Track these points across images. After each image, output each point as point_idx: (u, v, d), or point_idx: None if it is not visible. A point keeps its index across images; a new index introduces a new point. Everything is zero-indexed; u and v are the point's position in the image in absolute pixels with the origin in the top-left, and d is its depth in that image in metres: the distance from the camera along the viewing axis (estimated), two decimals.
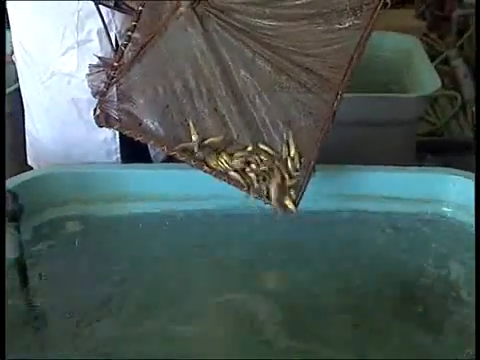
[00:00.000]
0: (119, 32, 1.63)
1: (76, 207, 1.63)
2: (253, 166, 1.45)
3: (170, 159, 1.56)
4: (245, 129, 1.47)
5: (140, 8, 1.46)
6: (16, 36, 1.78)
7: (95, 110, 1.51)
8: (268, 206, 1.44)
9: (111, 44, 1.62)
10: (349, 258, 1.55)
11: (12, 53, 1.89)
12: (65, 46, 1.67)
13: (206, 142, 1.46)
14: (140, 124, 1.49)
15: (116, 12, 1.60)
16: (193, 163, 1.47)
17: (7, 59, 1.98)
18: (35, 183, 1.60)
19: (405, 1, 3.51)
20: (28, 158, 1.91)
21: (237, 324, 1.40)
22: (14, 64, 1.88)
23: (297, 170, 1.43)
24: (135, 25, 1.46)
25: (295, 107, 1.44)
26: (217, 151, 1.46)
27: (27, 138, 1.90)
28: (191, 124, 1.47)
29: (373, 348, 1.33)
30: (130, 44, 1.47)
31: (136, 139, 1.50)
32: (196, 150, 1.46)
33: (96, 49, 1.63)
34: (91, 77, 1.50)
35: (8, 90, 2.12)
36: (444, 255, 1.55)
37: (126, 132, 1.51)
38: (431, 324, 1.39)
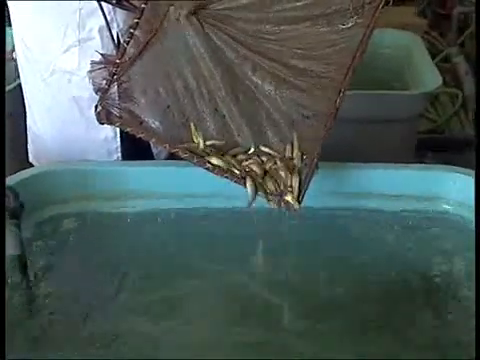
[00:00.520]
0: (121, 30, 1.64)
1: (77, 204, 1.63)
2: (256, 164, 1.45)
3: (172, 157, 1.56)
4: (247, 130, 1.47)
5: (142, 6, 1.46)
6: (17, 33, 1.78)
7: (96, 107, 1.50)
8: (271, 204, 1.44)
9: (113, 41, 1.62)
10: (350, 255, 1.55)
11: (12, 50, 1.89)
12: (66, 44, 1.67)
13: (208, 143, 1.46)
14: (141, 123, 1.49)
15: (118, 10, 1.60)
16: (195, 161, 1.46)
17: (7, 56, 1.99)
18: (35, 180, 1.60)
19: None
20: (29, 156, 1.91)
21: (238, 324, 1.40)
22: (14, 61, 1.88)
23: (300, 168, 1.44)
24: (137, 22, 1.46)
25: (298, 110, 1.44)
26: (219, 152, 1.46)
27: (28, 135, 1.90)
28: (192, 126, 1.47)
29: (373, 344, 1.34)
30: (132, 41, 1.47)
31: (137, 136, 1.50)
32: (198, 151, 1.46)
33: (97, 47, 1.63)
34: (93, 74, 1.50)
35: (9, 87, 2.12)
36: (445, 252, 1.54)
37: (127, 129, 1.51)
38: (433, 320, 1.39)
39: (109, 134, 1.74)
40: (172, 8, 1.45)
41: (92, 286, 1.48)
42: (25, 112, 1.88)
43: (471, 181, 1.53)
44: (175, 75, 1.47)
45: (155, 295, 1.45)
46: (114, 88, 1.48)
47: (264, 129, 1.47)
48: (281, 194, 1.42)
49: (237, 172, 1.44)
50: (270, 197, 1.43)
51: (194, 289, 1.46)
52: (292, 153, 1.44)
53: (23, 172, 1.62)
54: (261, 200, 1.44)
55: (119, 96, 1.49)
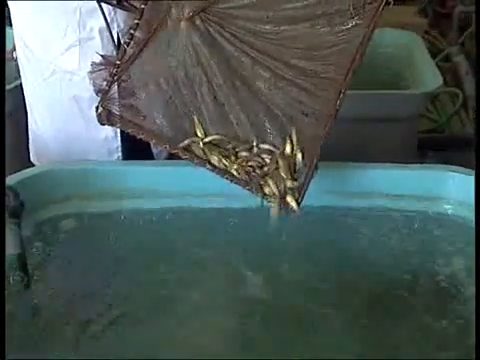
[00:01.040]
0: (121, 30, 1.64)
1: (77, 204, 1.63)
2: (256, 165, 1.45)
3: (172, 157, 1.56)
4: (245, 120, 1.46)
5: (142, 6, 1.46)
6: (18, 33, 1.78)
7: (97, 108, 1.51)
8: (271, 205, 1.44)
9: (113, 42, 1.62)
10: (350, 255, 1.55)
11: (13, 49, 1.89)
12: (67, 44, 1.67)
13: (209, 139, 1.46)
14: (143, 118, 1.49)
15: (118, 10, 1.60)
16: (196, 161, 1.47)
17: (8, 56, 1.99)
18: (36, 180, 1.60)
19: None
20: (31, 155, 1.91)
21: (238, 323, 1.40)
22: (15, 61, 1.88)
23: (300, 169, 1.44)
24: (137, 23, 1.46)
25: (297, 106, 1.44)
26: (220, 148, 1.46)
27: (29, 135, 1.91)
28: (195, 119, 1.47)
29: (373, 343, 1.34)
30: (132, 42, 1.47)
31: (138, 137, 1.50)
32: (199, 147, 1.46)
33: (98, 47, 1.63)
34: (93, 75, 1.50)
35: (9, 87, 2.12)
36: (445, 251, 1.54)
37: (128, 130, 1.51)
38: (433, 319, 1.39)
39: (109, 133, 1.74)
40: (173, 9, 1.45)
41: (92, 285, 1.48)
42: (26, 111, 1.88)
43: (471, 181, 1.53)
44: (175, 67, 1.47)
45: (155, 294, 1.45)
46: (115, 88, 1.48)
47: (262, 121, 1.46)
48: (281, 196, 1.42)
49: (237, 173, 1.44)
50: (270, 198, 1.43)
51: (194, 288, 1.46)
52: (292, 150, 1.44)
53: (24, 171, 1.62)
54: (261, 200, 1.44)
55: (120, 94, 1.49)
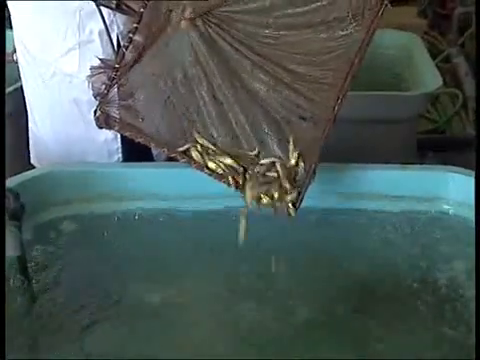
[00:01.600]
0: (121, 33, 1.64)
1: (77, 206, 1.63)
2: (254, 170, 1.45)
3: (172, 159, 1.56)
4: (244, 120, 1.46)
5: (141, 10, 1.46)
6: (18, 36, 1.79)
7: (95, 111, 1.51)
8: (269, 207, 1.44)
9: (112, 45, 1.62)
10: (350, 256, 1.55)
11: (13, 52, 1.89)
12: (66, 47, 1.67)
13: (207, 144, 1.47)
14: (142, 120, 1.49)
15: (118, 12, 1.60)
16: (194, 165, 1.47)
17: (8, 58, 1.99)
18: (36, 182, 1.60)
19: None
20: (31, 157, 1.91)
21: (239, 324, 1.40)
22: (15, 63, 1.88)
23: (298, 174, 1.44)
24: (136, 27, 1.46)
25: (295, 110, 1.45)
26: (218, 153, 1.47)
27: (30, 137, 1.91)
28: (194, 115, 1.47)
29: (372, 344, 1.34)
30: (131, 46, 1.47)
31: (136, 141, 1.50)
32: (197, 151, 1.46)
33: (97, 50, 1.63)
34: (92, 79, 1.50)
35: (9, 89, 2.12)
36: (445, 252, 1.54)
37: (126, 133, 1.52)
38: (433, 319, 1.39)
39: (109, 135, 1.74)
40: (173, 12, 1.45)
41: (92, 287, 1.48)
42: (26, 113, 1.88)
43: (471, 181, 1.53)
44: (174, 67, 1.47)
45: (155, 296, 1.45)
46: (113, 92, 1.49)
47: (260, 123, 1.46)
48: (279, 200, 1.42)
49: (234, 179, 1.45)
50: (268, 203, 1.43)
51: (194, 290, 1.46)
52: (290, 157, 1.44)
53: (24, 174, 1.62)
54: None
55: (119, 97, 1.50)
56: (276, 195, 1.42)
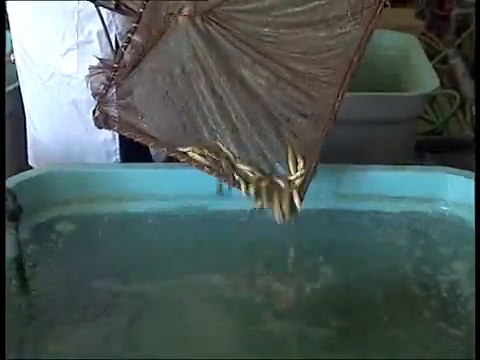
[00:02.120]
0: (120, 33, 1.63)
1: (75, 206, 1.63)
2: (254, 170, 1.45)
3: (171, 159, 1.56)
4: (244, 115, 1.46)
5: (140, 10, 1.46)
6: (16, 37, 1.78)
7: (94, 111, 1.51)
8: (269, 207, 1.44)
9: (111, 45, 1.62)
10: (349, 257, 1.55)
11: (11, 52, 1.89)
12: (65, 47, 1.67)
13: (206, 148, 1.47)
14: (141, 117, 1.49)
15: (117, 13, 1.60)
16: (194, 165, 1.47)
17: (6, 59, 1.98)
18: (34, 182, 1.60)
19: (406, 0, 3.52)
20: (29, 158, 1.91)
21: (238, 324, 1.40)
22: (13, 63, 1.88)
23: (298, 172, 1.44)
24: (135, 27, 1.46)
25: (295, 108, 1.45)
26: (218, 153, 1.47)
27: (28, 138, 1.90)
28: (194, 109, 1.47)
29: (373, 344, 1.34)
30: (129, 46, 1.47)
31: (135, 140, 1.50)
32: (197, 152, 1.46)
33: (96, 50, 1.63)
34: (91, 79, 1.50)
35: (8, 88, 2.11)
36: (444, 253, 1.55)
37: (125, 133, 1.51)
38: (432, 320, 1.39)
39: (108, 136, 1.74)
40: (173, 15, 1.45)
41: (90, 288, 1.48)
42: (25, 114, 1.88)
43: (469, 182, 1.54)
44: (172, 63, 1.47)
45: (154, 297, 1.45)
46: (112, 92, 1.48)
47: (260, 119, 1.46)
48: (280, 200, 1.42)
49: (234, 178, 1.45)
50: (268, 203, 1.43)
51: (194, 290, 1.46)
52: (290, 157, 1.44)
53: (22, 174, 1.61)
54: None
55: (117, 96, 1.50)
56: (277, 190, 1.42)
